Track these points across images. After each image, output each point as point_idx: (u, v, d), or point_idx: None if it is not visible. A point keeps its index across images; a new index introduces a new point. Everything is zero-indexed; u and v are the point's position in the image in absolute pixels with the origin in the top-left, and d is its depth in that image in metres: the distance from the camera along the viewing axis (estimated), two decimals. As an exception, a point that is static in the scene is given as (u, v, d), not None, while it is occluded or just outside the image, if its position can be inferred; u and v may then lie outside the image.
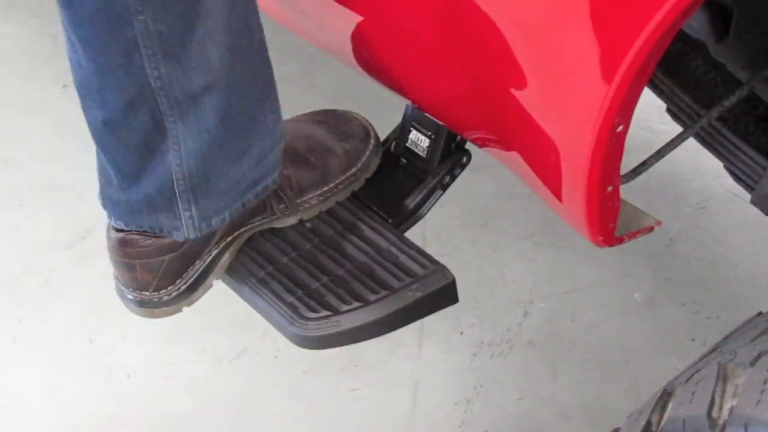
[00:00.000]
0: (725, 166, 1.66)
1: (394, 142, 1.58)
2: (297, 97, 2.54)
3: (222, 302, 1.95)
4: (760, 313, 1.17)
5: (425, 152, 1.52)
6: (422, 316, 1.43)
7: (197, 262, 1.45)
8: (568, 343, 1.98)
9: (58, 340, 1.95)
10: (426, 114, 1.50)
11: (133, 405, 1.85)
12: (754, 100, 1.51)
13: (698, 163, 2.36)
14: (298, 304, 1.38)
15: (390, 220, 1.50)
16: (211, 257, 1.45)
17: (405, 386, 1.89)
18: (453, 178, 1.54)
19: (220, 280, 1.50)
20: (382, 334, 1.40)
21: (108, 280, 1.52)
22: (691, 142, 1.66)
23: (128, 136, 1.29)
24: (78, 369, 1.90)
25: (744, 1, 1.25)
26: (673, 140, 1.33)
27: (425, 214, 1.53)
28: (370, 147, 1.56)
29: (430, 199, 1.52)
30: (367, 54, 1.40)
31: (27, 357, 1.92)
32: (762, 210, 1.51)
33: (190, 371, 1.91)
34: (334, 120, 1.62)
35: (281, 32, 2.68)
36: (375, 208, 1.51)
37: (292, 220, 1.50)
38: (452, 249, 2.13)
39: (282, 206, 1.47)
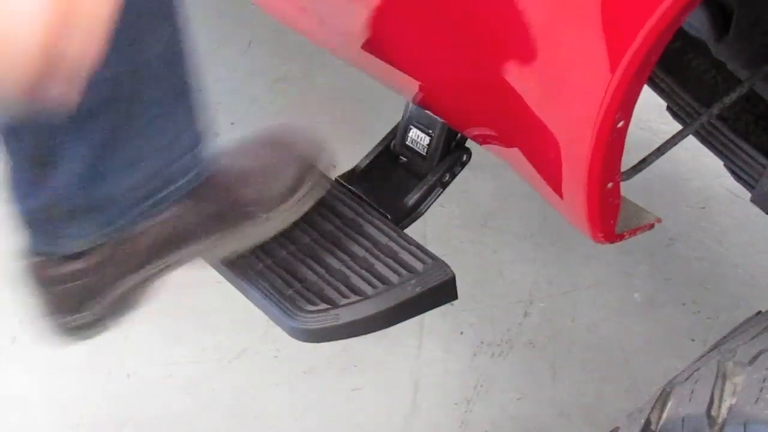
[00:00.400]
0: (725, 165, 1.66)
1: (393, 140, 1.58)
2: (297, 97, 2.54)
3: (222, 302, 1.96)
4: (759, 312, 1.17)
5: (425, 150, 1.52)
6: (421, 312, 1.43)
7: (110, 291, 1.41)
8: (568, 343, 1.98)
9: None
10: (426, 112, 1.50)
11: (133, 405, 1.85)
12: (754, 99, 1.51)
13: (698, 163, 2.36)
14: (296, 296, 1.38)
15: (389, 217, 1.50)
16: (125, 289, 1.42)
17: (405, 386, 1.89)
18: (453, 176, 1.54)
19: (222, 277, 1.50)
20: (380, 328, 1.40)
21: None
22: (692, 142, 1.66)
23: (19, 151, 1.27)
24: (78, 369, 1.90)
25: (744, 0, 1.25)
26: (673, 137, 1.33)
27: (425, 211, 1.53)
28: (313, 176, 1.50)
29: (430, 197, 1.52)
30: (370, 48, 1.40)
31: (27, 357, 1.92)
32: (762, 208, 1.51)
33: (190, 371, 1.91)
34: (281, 143, 1.56)
35: (281, 32, 2.69)
36: (374, 205, 1.51)
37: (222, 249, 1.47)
38: (452, 249, 2.13)
39: (204, 234, 1.43)
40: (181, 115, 1.38)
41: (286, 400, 1.85)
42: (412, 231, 1.53)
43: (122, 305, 1.43)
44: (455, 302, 1.45)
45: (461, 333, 1.99)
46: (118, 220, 1.36)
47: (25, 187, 1.31)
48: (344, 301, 1.37)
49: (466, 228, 2.21)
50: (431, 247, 1.46)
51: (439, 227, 2.17)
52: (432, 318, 1.98)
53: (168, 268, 1.45)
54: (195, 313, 1.97)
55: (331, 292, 1.38)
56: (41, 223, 1.34)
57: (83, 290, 1.39)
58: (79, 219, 1.33)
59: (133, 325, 1.93)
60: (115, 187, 1.33)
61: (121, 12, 1.19)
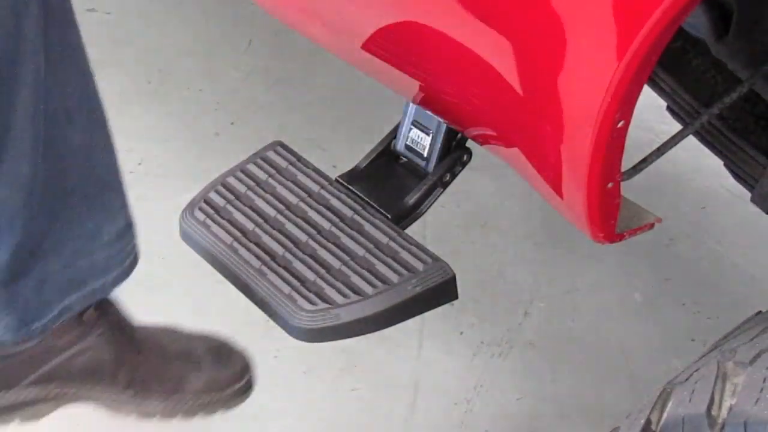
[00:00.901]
0: (725, 165, 1.66)
1: (394, 140, 1.58)
2: (297, 97, 2.54)
3: (222, 302, 1.96)
4: (759, 312, 1.17)
5: (426, 150, 1.52)
6: (422, 312, 1.43)
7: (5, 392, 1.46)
8: (568, 343, 1.98)
9: (57, 340, 1.95)
10: (426, 112, 1.50)
11: (132, 405, 1.85)
12: (754, 99, 1.51)
13: (698, 163, 2.35)
14: (296, 296, 1.38)
15: (390, 217, 1.50)
16: (18, 400, 1.46)
17: (405, 386, 1.88)
18: (453, 176, 1.54)
19: (222, 277, 1.50)
20: (381, 328, 1.40)
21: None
22: (692, 142, 1.66)
23: None
24: (78, 369, 1.90)
25: (744, 0, 1.25)
26: (673, 137, 1.33)
27: (425, 211, 1.53)
28: (234, 390, 1.59)
29: (431, 197, 1.52)
30: (370, 48, 1.40)
31: (27, 357, 1.92)
32: (762, 208, 1.51)
33: (190, 371, 1.91)
34: (220, 347, 1.65)
35: (281, 32, 2.69)
36: (375, 205, 1.51)
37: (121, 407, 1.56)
38: (452, 249, 2.13)
39: (114, 380, 1.53)
40: (102, 209, 1.41)
41: (286, 400, 1.85)
42: (412, 231, 1.53)
43: (10, 413, 1.47)
44: (455, 302, 1.45)
45: (461, 333, 1.99)
46: (47, 312, 1.40)
47: None
48: (344, 300, 1.37)
49: (466, 228, 2.21)
50: (431, 247, 1.46)
51: (439, 227, 2.17)
52: (432, 318, 1.98)
53: (56, 399, 1.50)
54: (195, 313, 1.96)
55: (331, 292, 1.38)
56: None
57: None
58: (7, 311, 1.36)
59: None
60: (35, 278, 1.36)
61: (38, 113, 1.26)
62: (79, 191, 1.37)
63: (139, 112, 2.43)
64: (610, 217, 1.17)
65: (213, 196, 1.53)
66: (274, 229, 1.48)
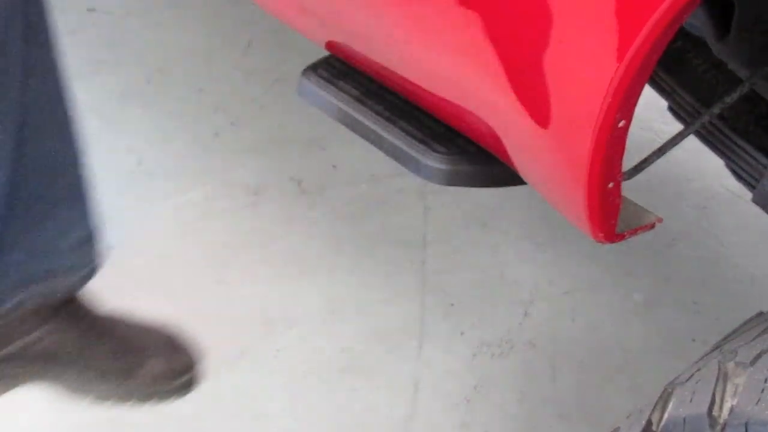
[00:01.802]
0: (726, 165, 1.66)
1: None
2: (297, 97, 2.54)
3: (222, 302, 1.96)
4: (760, 313, 1.17)
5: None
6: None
7: None
8: (568, 343, 1.98)
9: (57, 340, 1.95)
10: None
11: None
12: (755, 99, 1.51)
13: (699, 163, 2.36)
14: (430, 140, 1.38)
15: None
16: None
17: (405, 386, 1.88)
18: None
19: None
20: (502, 185, 1.40)
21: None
22: (693, 143, 1.66)
23: None
24: (77, 369, 1.90)
25: (745, -1, 1.25)
26: (674, 137, 1.33)
27: None
28: (168, 387, 1.71)
29: None
30: (370, 48, 1.39)
31: (26, 357, 1.92)
32: (763, 208, 1.50)
33: (190, 371, 1.91)
34: (174, 343, 1.77)
35: (281, 32, 2.69)
36: None
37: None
38: (452, 249, 2.13)
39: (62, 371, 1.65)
40: (66, 216, 1.49)
41: (286, 400, 1.85)
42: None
43: None
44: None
45: (461, 333, 1.98)
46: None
47: None
48: (474, 149, 1.36)
49: (467, 228, 2.21)
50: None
51: (439, 227, 2.17)
52: (432, 318, 1.98)
53: (14, 378, 1.58)
54: (195, 313, 1.97)
55: (461, 142, 1.38)
56: None
57: None
58: None
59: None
60: None
61: (16, 126, 1.31)
62: (44, 198, 1.44)
63: (139, 112, 2.43)
64: (611, 217, 1.17)
65: (333, 60, 1.53)
66: (386, 92, 1.47)
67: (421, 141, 1.39)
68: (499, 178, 1.39)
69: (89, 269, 1.56)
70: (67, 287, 1.54)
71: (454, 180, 1.38)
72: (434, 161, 1.36)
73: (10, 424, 1.81)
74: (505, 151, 1.32)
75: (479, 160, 1.37)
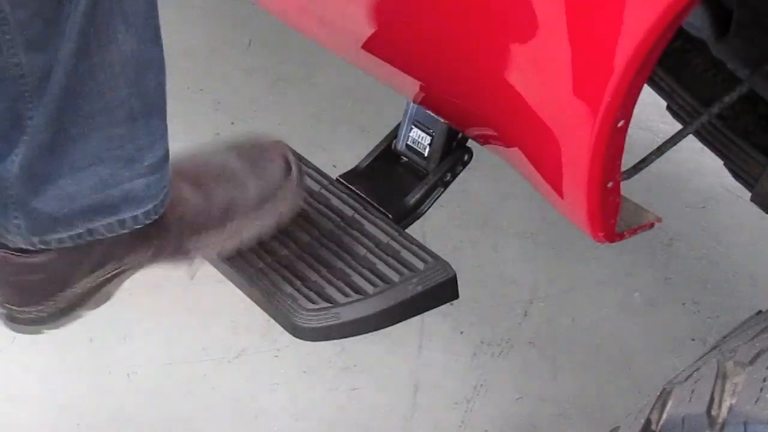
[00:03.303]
0: (725, 165, 1.66)
1: (395, 140, 1.58)
2: (297, 97, 2.54)
3: (222, 302, 1.96)
4: (759, 312, 1.17)
5: (426, 150, 1.52)
6: (422, 311, 1.42)
7: (67, 290, 1.36)
8: (568, 343, 1.98)
9: (58, 340, 1.95)
10: (427, 111, 1.50)
11: (133, 405, 1.85)
12: (754, 99, 1.51)
13: (698, 163, 2.36)
14: (297, 295, 1.38)
15: (390, 216, 1.50)
16: (83, 290, 1.37)
17: (405, 386, 1.88)
18: (454, 176, 1.54)
19: (222, 276, 1.49)
20: (381, 327, 1.40)
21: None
22: (692, 142, 1.66)
23: None
24: (78, 369, 1.90)
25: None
26: (673, 137, 1.33)
27: (426, 211, 1.53)
28: (288, 186, 1.45)
29: (431, 197, 1.52)
30: (370, 47, 1.40)
31: (27, 357, 1.92)
32: (762, 208, 1.51)
33: (190, 371, 1.91)
34: (251, 151, 1.49)
35: (281, 32, 2.69)
36: (376, 204, 1.51)
37: (183, 265, 1.42)
38: (452, 249, 2.13)
39: (169, 248, 1.38)
40: (145, 132, 1.30)
41: (286, 400, 1.85)
42: (412, 230, 1.53)
43: (78, 305, 1.40)
44: (455, 302, 1.45)
45: (461, 333, 1.99)
46: (66, 229, 1.28)
47: None
48: (345, 299, 1.37)
49: (466, 228, 2.21)
50: (431, 247, 1.46)
51: (439, 227, 2.17)
52: (432, 318, 1.98)
53: (124, 272, 1.40)
54: (195, 313, 1.97)
55: (332, 291, 1.38)
56: None
57: (39, 285, 1.35)
58: (21, 214, 1.25)
59: (133, 325, 1.94)
60: (59, 190, 1.24)
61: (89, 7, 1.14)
62: (125, 109, 1.25)
63: (139, 112, 2.43)
64: (611, 217, 1.17)
65: None
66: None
67: (288, 295, 1.38)
68: (364, 328, 1.38)
69: (164, 195, 1.33)
70: (141, 216, 1.30)
71: (319, 336, 1.38)
72: (300, 320, 1.36)
73: (10, 424, 1.81)
74: (505, 150, 1.32)
75: (346, 313, 1.36)
